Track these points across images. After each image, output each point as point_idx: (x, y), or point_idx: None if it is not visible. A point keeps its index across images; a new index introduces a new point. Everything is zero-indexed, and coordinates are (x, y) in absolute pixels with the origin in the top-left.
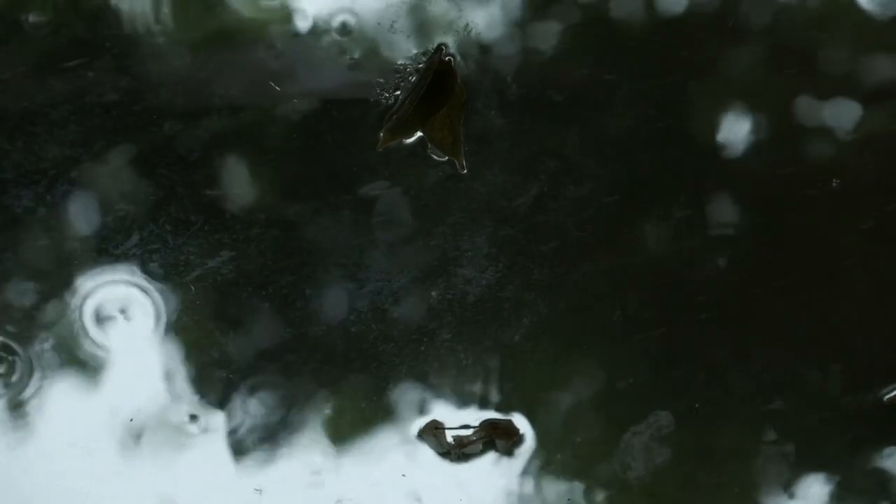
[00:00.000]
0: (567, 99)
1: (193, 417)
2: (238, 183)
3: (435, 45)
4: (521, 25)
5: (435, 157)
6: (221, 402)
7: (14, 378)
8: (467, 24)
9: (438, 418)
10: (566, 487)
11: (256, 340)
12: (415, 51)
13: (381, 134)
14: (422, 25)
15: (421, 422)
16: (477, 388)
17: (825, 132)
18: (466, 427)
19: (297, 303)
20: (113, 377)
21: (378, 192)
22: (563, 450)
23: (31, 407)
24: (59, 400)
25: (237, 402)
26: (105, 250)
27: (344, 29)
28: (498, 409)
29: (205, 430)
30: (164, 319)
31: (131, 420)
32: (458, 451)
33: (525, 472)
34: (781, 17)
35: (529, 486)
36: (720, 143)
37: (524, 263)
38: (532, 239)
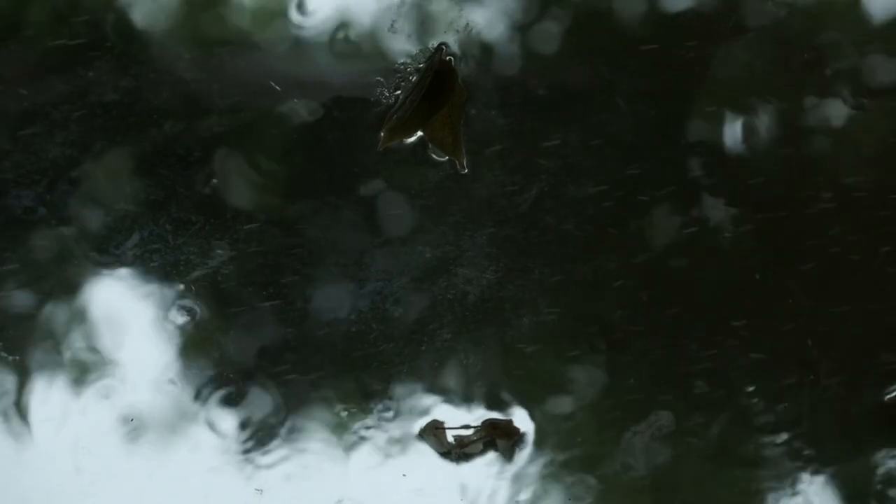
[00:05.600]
0: (567, 99)
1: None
2: (238, 183)
3: (435, 45)
4: (521, 25)
5: (435, 157)
6: (222, 402)
7: (15, 378)
8: (467, 24)
9: (439, 418)
10: (566, 487)
11: (256, 340)
12: (415, 51)
13: (381, 134)
14: (422, 25)
15: (421, 422)
16: (477, 387)
17: (826, 132)
18: (467, 427)
19: (297, 303)
20: (113, 377)
21: (378, 192)
22: (563, 449)
23: (31, 407)
24: (59, 400)
25: (237, 401)
26: (105, 250)
27: (344, 29)
28: (498, 409)
29: (205, 430)
30: (164, 319)
31: (131, 420)
32: (458, 451)
33: (525, 471)
34: (781, 17)
35: (530, 485)
36: (721, 143)
37: (524, 263)
38: (532, 239)
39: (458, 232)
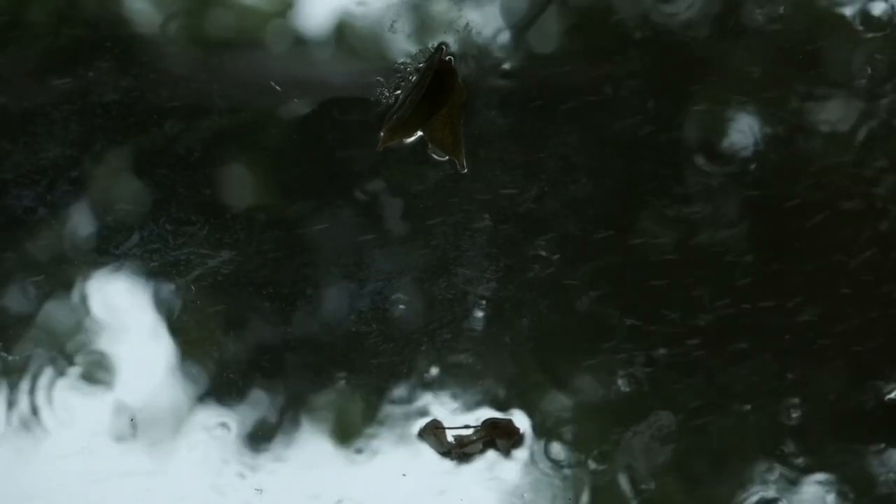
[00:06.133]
0: (567, 99)
1: (195, 418)
2: (238, 183)
3: (435, 45)
4: (521, 25)
5: (435, 156)
6: (221, 402)
7: (15, 378)
8: (467, 24)
9: (439, 418)
10: (566, 487)
11: (256, 340)
12: (415, 51)
13: (381, 134)
14: (422, 25)
15: (421, 421)
16: (477, 387)
17: (825, 132)
18: (467, 427)
19: (296, 303)
20: (113, 377)
21: (378, 192)
22: (562, 449)
23: (31, 407)
24: (60, 400)
25: (237, 401)
26: (105, 250)
27: (344, 29)
28: (498, 409)
29: (205, 430)
30: (164, 319)
31: (132, 420)
32: (458, 451)
33: (525, 471)
34: (782, 17)
35: (530, 485)
36: (720, 144)
37: (524, 263)
38: (532, 239)
39: (458, 232)
